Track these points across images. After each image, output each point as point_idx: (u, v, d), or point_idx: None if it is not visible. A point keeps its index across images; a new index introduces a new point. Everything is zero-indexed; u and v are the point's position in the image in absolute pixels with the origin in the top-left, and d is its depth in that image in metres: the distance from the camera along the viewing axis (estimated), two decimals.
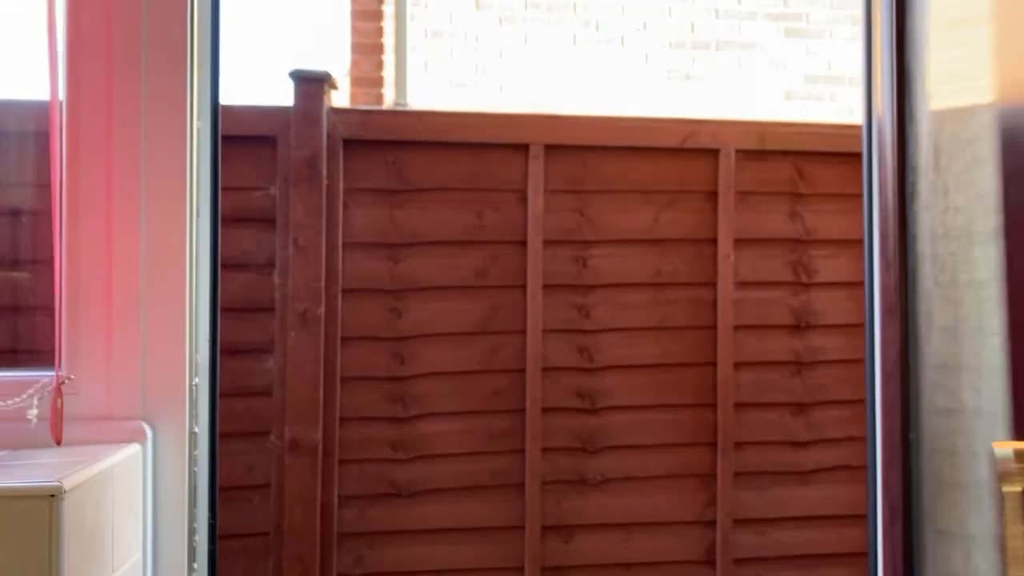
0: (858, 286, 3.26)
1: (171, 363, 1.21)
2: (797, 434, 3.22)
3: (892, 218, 1.24)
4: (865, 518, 3.26)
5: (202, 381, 1.26)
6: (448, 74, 5.99)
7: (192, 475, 1.22)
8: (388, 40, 6.00)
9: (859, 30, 1.46)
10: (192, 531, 1.21)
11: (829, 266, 3.26)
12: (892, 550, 1.14)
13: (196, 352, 1.25)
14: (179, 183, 1.22)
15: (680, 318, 3.18)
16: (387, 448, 3.03)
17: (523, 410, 3.08)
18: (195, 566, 1.22)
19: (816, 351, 3.24)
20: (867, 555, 1.34)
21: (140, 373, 1.20)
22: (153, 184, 1.21)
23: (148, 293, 1.21)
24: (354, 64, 6.05)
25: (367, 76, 6.00)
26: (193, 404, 1.23)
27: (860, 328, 3.29)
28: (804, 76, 6.20)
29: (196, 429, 1.24)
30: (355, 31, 6.08)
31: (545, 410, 3.10)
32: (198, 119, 1.26)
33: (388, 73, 6.02)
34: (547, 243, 3.12)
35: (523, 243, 3.11)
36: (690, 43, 6.08)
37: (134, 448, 1.15)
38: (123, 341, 1.20)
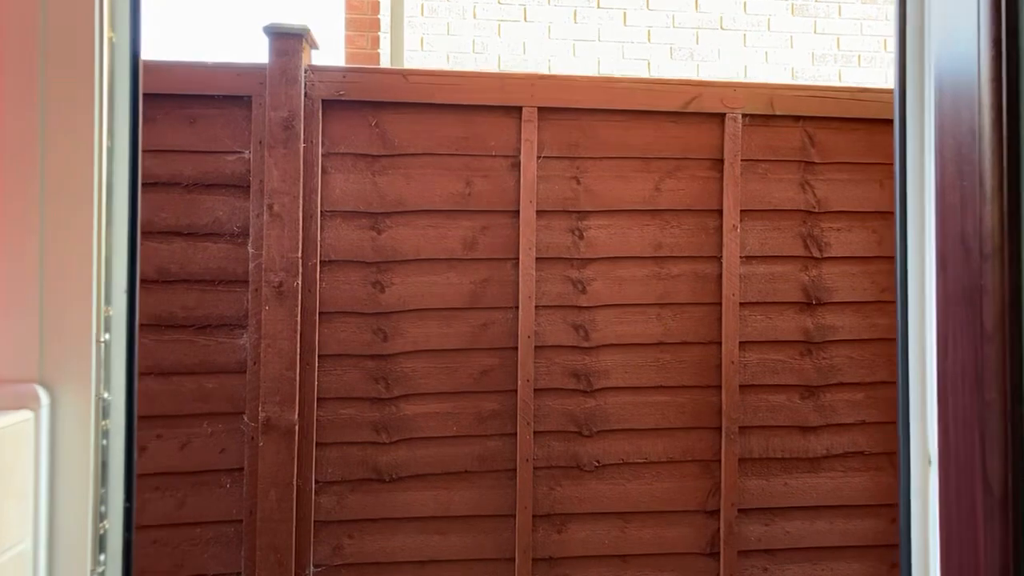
0: (873, 261, 3.06)
1: (75, 316, 1.02)
2: (806, 418, 3.03)
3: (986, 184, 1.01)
4: (878, 508, 3.08)
5: (116, 338, 1.06)
6: (445, 50, 5.78)
7: (101, 449, 1.03)
8: (384, 16, 5.79)
9: None
10: (99, 516, 1.02)
11: (842, 239, 3.05)
12: (992, 550, 0.91)
13: (108, 304, 1.05)
14: (85, 97, 1.02)
15: (682, 294, 2.98)
16: (369, 430, 2.84)
17: (514, 391, 2.89)
18: (102, 558, 1.02)
19: (827, 330, 3.04)
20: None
21: (37, 327, 1.00)
22: (55, 96, 1.01)
23: (48, 233, 1.01)
24: (349, 40, 5.84)
25: (362, 52, 5.79)
26: (103, 366, 1.04)
27: (875, 305, 3.10)
28: (811, 54, 5.98)
29: (107, 395, 1.04)
30: (349, 7, 5.86)
31: (537, 391, 2.90)
32: (111, 29, 1.05)
33: (384, 49, 5.81)
34: (541, 213, 2.92)
35: (515, 213, 2.91)
36: (694, 21, 5.86)
37: (22, 416, 0.95)
38: (14, 289, 1.00)
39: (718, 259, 3.00)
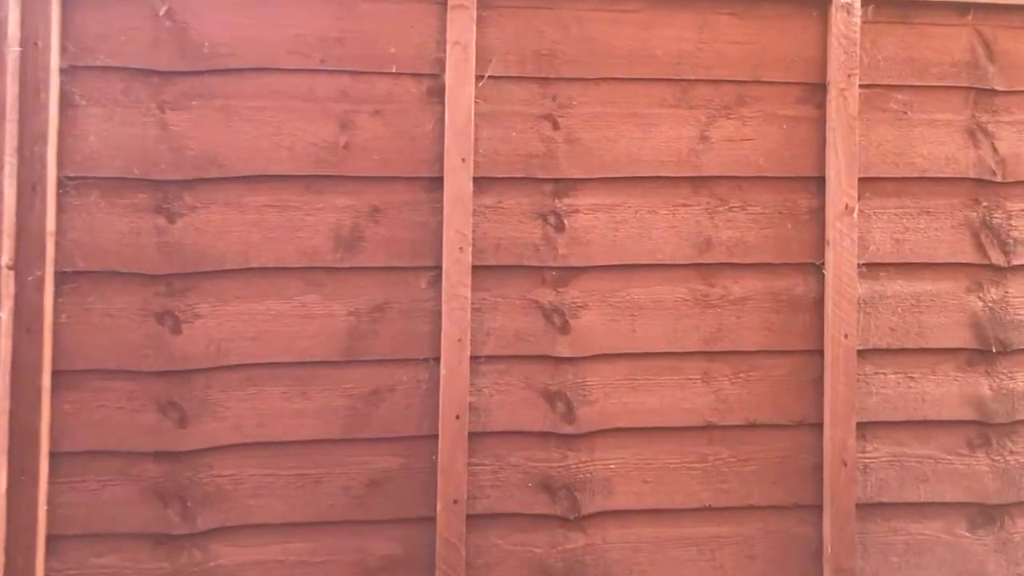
0: None
1: None
2: (983, 567, 1.63)
3: None
4: None
5: None
6: None
7: None
8: None
9: None
10: None
11: None
12: None
13: None
14: None
15: (750, 335, 1.60)
16: None
17: (431, 519, 1.52)
18: None
19: (1020, 400, 1.64)
20: None
21: None
22: None
23: None
24: None
25: None
26: None
27: None
28: None
29: None
30: None
31: (476, 518, 1.53)
32: None
33: None
34: (484, 182, 1.56)
35: (434, 180, 1.55)
36: None
37: None
38: None
39: (817, 269, 1.62)
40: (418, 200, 1.56)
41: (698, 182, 1.61)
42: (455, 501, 1.51)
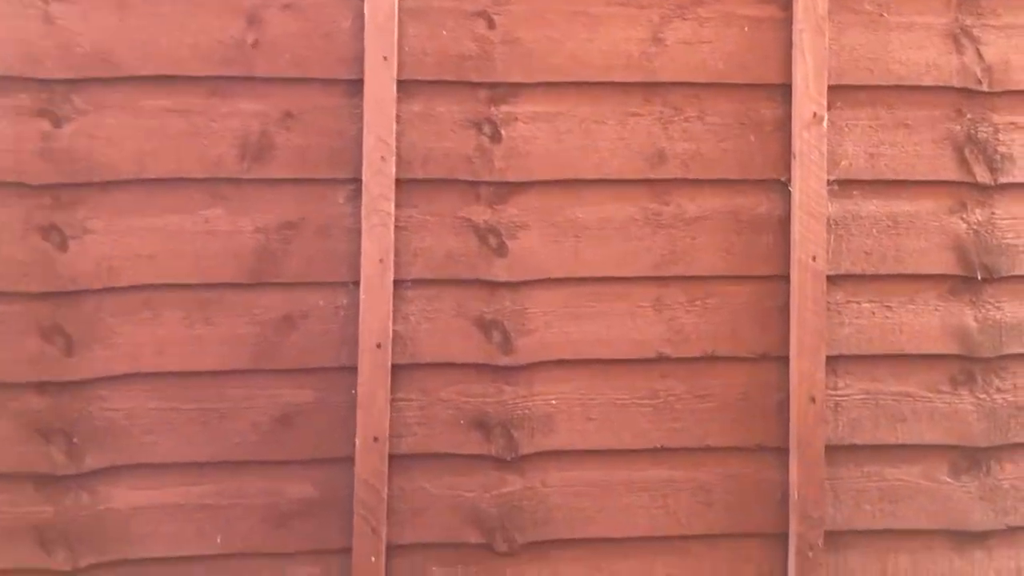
0: None
1: None
2: (967, 515, 1.47)
3: None
4: None
5: None
6: None
7: None
8: None
9: None
10: None
11: None
12: None
13: None
14: None
15: (708, 258, 1.45)
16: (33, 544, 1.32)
17: (349, 459, 1.36)
18: None
19: (1008, 332, 1.49)
20: None
21: None
22: None
23: None
24: None
25: None
26: None
27: None
28: None
29: None
30: None
31: (399, 458, 1.38)
32: None
33: None
34: (409, 85, 1.40)
35: (352, 83, 1.39)
36: None
37: None
38: None
39: (782, 186, 1.46)
40: (336, 105, 1.39)
41: (651, 89, 1.45)
42: (375, 439, 1.35)
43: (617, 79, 1.44)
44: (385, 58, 1.38)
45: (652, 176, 1.44)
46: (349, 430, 1.36)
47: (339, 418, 1.37)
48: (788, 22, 1.46)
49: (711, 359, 1.44)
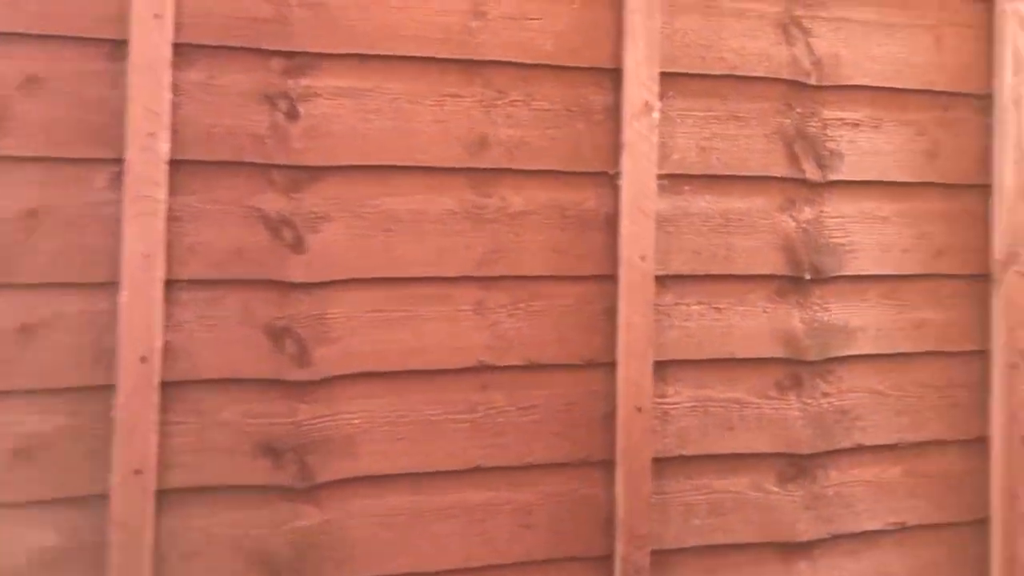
0: (918, 190, 1.44)
1: None
2: (793, 526, 1.43)
3: None
4: None
5: None
6: None
7: None
8: None
9: None
10: None
11: (862, 147, 1.46)
12: None
13: None
14: None
15: (531, 256, 1.31)
16: None
17: (103, 497, 1.13)
18: None
19: (833, 335, 1.45)
20: None
21: None
22: None
23: None
24: None
25: None
26: None
27: (925, 283, 1.45)
28: None
29: None
30: None
31: (167, 494, 1.16)
32: None
33: None
34: (185, 49, 1.18)
35: (118, 45, 1.15)
36: None
37: None
38: None
39: (611, 180, 1.34)
40: (94, 69, 1.15)
41: (472, 68, 1.30)
42: (137, 471, 1.13)
43: (434, 54, 1.28)
44: (157, 15, 1.15)
45: (473, 165, 1.29)
46: (105, 462, 1.13)
47: (92, 449, 1.13)
48: (620, 2, 1.35)
49: (535, 367, 1.31)
